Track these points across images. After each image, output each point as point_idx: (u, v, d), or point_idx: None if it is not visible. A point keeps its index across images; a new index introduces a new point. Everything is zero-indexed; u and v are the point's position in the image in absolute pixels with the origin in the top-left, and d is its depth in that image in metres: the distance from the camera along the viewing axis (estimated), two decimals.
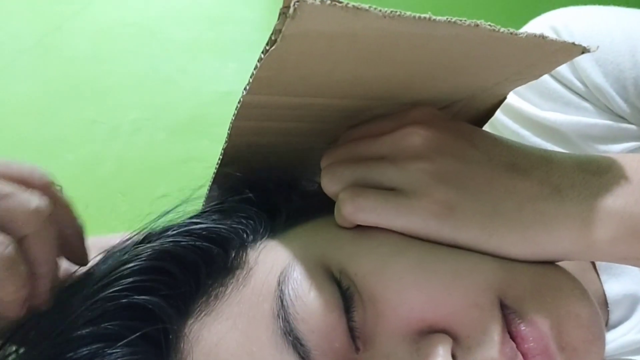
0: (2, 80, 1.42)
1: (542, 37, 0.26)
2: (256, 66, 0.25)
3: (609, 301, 0.41)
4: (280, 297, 0.28)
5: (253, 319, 0.29)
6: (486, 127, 0.38)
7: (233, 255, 0.32)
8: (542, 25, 0.45)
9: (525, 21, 0.49)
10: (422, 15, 0.23)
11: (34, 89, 1.44)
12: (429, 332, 0.27)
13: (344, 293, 0.28)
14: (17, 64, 1.44)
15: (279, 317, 0.28)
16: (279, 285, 0.29)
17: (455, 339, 0.27)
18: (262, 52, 0.24)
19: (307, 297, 0.28)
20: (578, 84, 0.43)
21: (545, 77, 0.44)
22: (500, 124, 0.47)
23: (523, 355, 0.26)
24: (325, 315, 0.27)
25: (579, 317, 0.28)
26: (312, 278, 0.29)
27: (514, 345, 0.27)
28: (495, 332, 0.27)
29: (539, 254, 0.29)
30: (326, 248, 0.30)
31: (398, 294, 0.28)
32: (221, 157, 0.35)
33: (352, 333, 0.28)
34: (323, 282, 0.28)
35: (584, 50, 0.28)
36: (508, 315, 0.27)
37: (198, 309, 0.30)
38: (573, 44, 0.27)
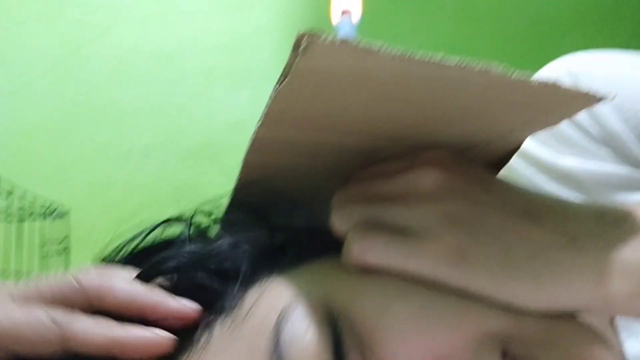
0: (19, 101, 1.45)
1: (556, 86, 0.26)
2: (268, 101, 0.26)
3: None
4: (277, 336, 0.27)
5: (250, 357, 0.28)
6: (501, 171, 0.37)
7: (236, 292, 0.31)
8: (560, 69, 0.45)
9: (543, 63, 0.48)
10: (433, 58, 0.23)
11: (49, 111, 1.46)
12: None
13: (338, 337, 0.27)
14: (34, 86, 1.47)
15: (275, 354, 0.27)
16: (277, 323, 0.28)
17: None
18: (275, 88, 0.25)
19: (302, 338, 0.27)
20: (595, 129, 0.43)
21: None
22: (515, 168, 0.47)
23: None
24: (320, 358, 0.27)
25: None
26: (311, 319, 0.28)
27: None
28: None
29: (552, 307, 0.27)
30: (330, 288, 0.30)
31: (397, 339, 0.27)
32: (232, 195, 0.35)
33: None
34: (321, 323, 0.28)
35: (601, 100, 0.27)
36: None
37: (196, 344, 0.30)
38: (589, 93, 0.27)
